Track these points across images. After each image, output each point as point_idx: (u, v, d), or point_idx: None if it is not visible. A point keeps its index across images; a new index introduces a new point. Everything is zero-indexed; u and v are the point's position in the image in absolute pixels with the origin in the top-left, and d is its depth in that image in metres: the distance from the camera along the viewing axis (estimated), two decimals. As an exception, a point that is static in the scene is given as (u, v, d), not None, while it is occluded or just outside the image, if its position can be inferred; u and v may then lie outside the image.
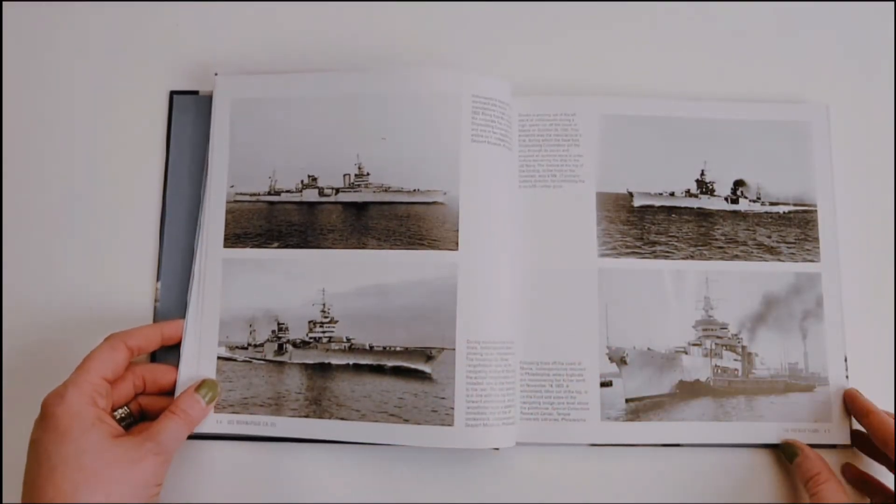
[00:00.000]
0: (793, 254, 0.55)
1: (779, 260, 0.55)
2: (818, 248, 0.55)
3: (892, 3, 0.60)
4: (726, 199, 0.56)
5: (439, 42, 0.59)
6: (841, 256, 0.55)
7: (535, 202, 0.54)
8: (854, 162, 0.57)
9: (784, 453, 0.51)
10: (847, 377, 0.53)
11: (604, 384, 0.52)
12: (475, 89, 0.53)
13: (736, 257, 0.55)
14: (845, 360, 0.53)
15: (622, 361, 0.53)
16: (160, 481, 0.45)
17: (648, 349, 0.53)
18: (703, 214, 0.56)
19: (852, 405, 0.52)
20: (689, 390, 0.53)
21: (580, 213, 0.54)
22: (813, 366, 0.53)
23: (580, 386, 0.52)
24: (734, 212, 0.56)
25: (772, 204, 0.56)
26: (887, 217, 0.57)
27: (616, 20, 0.59)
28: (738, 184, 0.56)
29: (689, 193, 0.56)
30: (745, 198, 0.56)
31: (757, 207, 0.56)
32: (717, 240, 0.55)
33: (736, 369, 0.54)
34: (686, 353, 0.53)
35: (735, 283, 0.54)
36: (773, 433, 0.52)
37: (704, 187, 0.56)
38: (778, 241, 0.55)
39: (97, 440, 0.43)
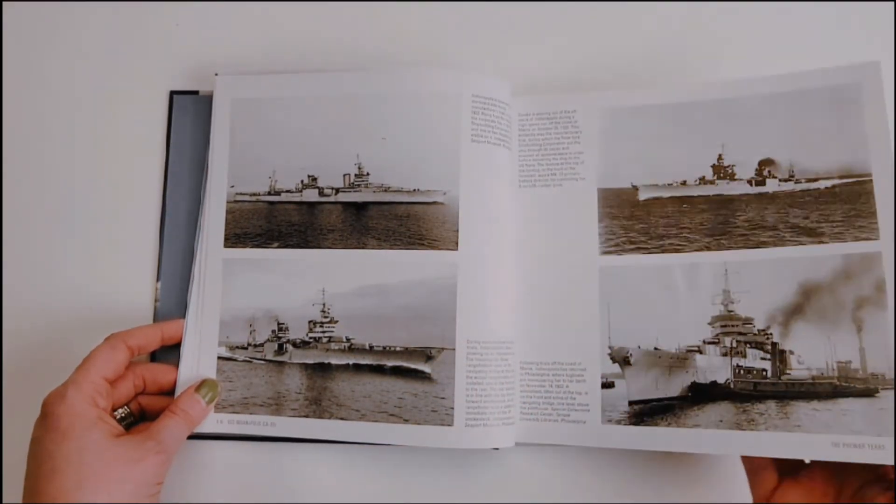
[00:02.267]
0: (839, 234, 0.47)
1: (820, 242, 0.48)
2: (875, 223, 0.47)
3: (893, 2, 0.60)
4: (749, 181, 0.51)
5: (439, 42, 0.59)
6: None
7: (536, 202, 0.54)
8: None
9: None
10: None
11: (605, 385, 0.50)
12: (475, 89, 0.53)
13: (762, 244, 0.49)
14: None
15: (625, 362, 0.50)
16: (161, 480, 0.45)
17: (655, 349, 0.50)
18: (722, 201, 0.51)
19: None
20: (705, 393, 0.48)
21: (581, 211, 0.53)
22: (873, 364, 0.45)
23: (580, 387, 0.51)
24: (760, 194, 0.50)
25: (809, 180, 0.49)
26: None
27: (616, 19, 0.59)
28: (765, 163, 0.50)
29: (703, 181, 0.52)
30: (774, 177, 0.50)
31: (789, 186, 0.50)
32: (738, 227, 0.50)
33: (764, 369, 0.47)
34: (700, 352, 0.49)
35: (761, 273, 0.48)
36: (815, 447, 0.44)
37: (722, 172, 0.51)
38: (819, 221, 0.48)
39: (98, 439, 0.43)
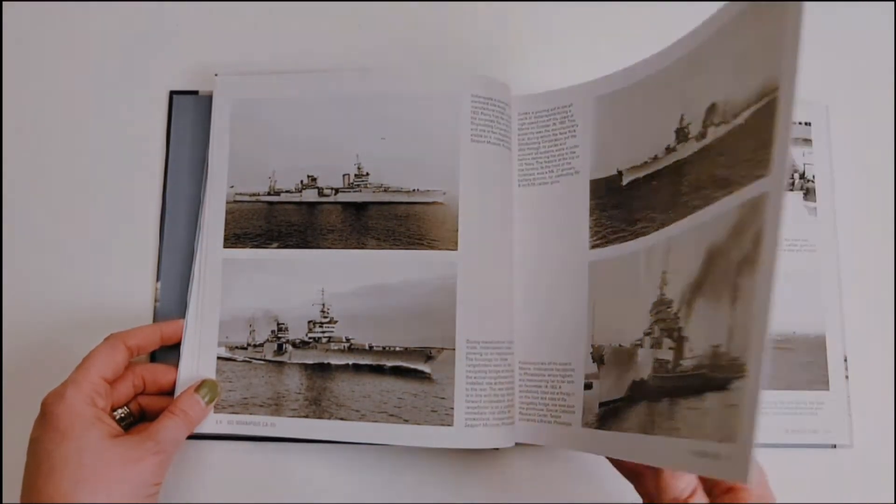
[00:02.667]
0: (743, 177, 0.35)
1: (729, 192, 0.36)
2: (769, 154, 0.33)
3: (893, 2, 0.60)
4: (696, 137, 0.41)
5: (439, 42, 0.59)
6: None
7: (534, 201, 0.54)
8: (854, 162, 0.56)
9: None
10: (772, 361, 0.38)
11: (586, 386, 0.47)
12: (475, 89, 0.53)
13: (695, 208, 0.39)
14: (766, 334, 0.31)
15: (601, 361, 0.47)
16: (159, 481, 0.45)
17: (620, 345, 0.45)
18: (675, 168, 0.43)
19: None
20: (637, 392, 0.42)
21: (575, 205, 0.52)
22: (736, 346, 0.33)
23: (570, 388, 0.49)
24: (702, 150, 0.40)
25: (735, 116, 0.38)
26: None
27: (616, 19, 0.59)
28: (709, 111, 0.40)
29: (668, 150, 0.44)
30: (714, 124, 0.40)
31: (723, 130, 0.39)
32: (683, 195, 0.41)
33: (668, 360, 0.39)
34: (641, 345, 0.43)
35: (685, 244, 0.40)
36: (676, 456, 0.36)
37: (681, 134, 0.43)
38: (731, 166, 0.37)
39: (97, 439, 0.43)
